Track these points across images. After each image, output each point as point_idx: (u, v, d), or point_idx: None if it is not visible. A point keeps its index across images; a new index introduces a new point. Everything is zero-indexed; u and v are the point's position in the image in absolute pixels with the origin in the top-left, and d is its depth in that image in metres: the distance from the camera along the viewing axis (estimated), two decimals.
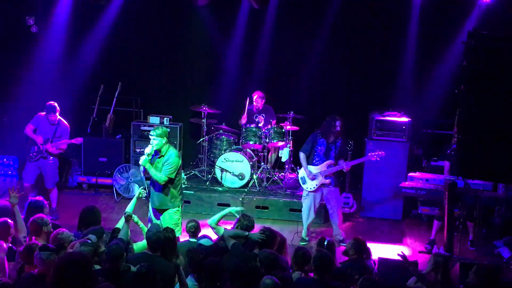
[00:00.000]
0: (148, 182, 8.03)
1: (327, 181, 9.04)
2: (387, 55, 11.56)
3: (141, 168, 7.88)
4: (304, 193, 9.29)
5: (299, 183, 9.33)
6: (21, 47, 11.69)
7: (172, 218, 7.93)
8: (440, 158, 10.03)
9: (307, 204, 9.25)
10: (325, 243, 6.70)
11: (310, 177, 9.04)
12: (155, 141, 7.73)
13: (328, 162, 9.00)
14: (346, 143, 9.21)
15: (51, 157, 9.75)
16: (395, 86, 11.53)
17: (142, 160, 7.72)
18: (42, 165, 9.78)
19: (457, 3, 10.84)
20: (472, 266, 7.16)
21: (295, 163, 11.39)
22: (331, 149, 9.03)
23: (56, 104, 9.65)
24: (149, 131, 10.65)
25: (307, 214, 9.29)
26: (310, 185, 9.10)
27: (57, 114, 9.68)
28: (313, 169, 9.07)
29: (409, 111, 10.75)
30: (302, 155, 9.17)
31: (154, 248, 6.32)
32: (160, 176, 7.74)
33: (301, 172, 9.24)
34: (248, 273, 5.65)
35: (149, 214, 8.13)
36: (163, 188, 7.85)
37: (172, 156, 7.81)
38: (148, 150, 7.76)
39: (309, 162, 9.12)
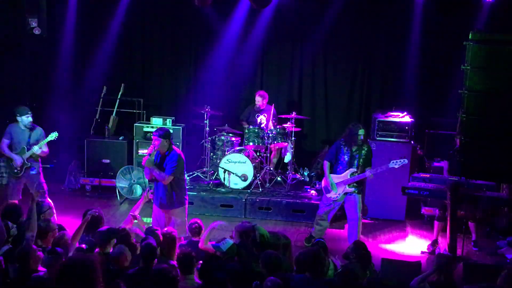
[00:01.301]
0: (152, 183, 8.05)
1: (351, 189, 8.81)
2: (390, 55, 11.56)
3: (142, 171, 7.88)
4: (324, 200, 9.06)
5: (323, 191, 9.04)
6: (23, 49, 11.70)
7: (178, 218, 7.96)
8: (442, 159, 10.01)
9: (325, 212, 9.06)
10: (313, 241, 6.72)
11: (331, 186, 8.84)
12: (157, 141, 7.74)
13: (350, 170, 8.75)
14: (371, 150, 8.99)
15: (33, 167, 9.19)
16: (398, 86, 11.53)
17: (146, 161, 7.73)
18: (28, 178, 9.23)
19: (461, 2, 10.82)
20: (475, 267, 7.17)
21: (298, 164, 11.42)
22: (355, 158, 8.76)
23: (27, 106, 9.27)
24: (152, 132, 10.75)
25: (321, 218, 9.10)
26: (333, 194, 8.88)
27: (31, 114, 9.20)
28: (335, 178, 8.84)
29: (412, 112, 10.74)
30: (326, 164, 8.91)
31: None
32: (164, 175, 7.76)
33: (324, 182, 9.01)
34: (248, 277, 5.65)
35: (152, 215, 8.14)
36: (167, 188, 7.86)
37: (175, 155, 7.81)
38: (150, 151, 7.77)
39: (333, 170, 8.88)
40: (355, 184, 8.80)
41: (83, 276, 4.68)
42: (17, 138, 9.19)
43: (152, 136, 7.85)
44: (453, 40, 10.70)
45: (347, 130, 8.88)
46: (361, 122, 11.20)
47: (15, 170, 9.18)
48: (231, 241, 6.70)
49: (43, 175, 9.33)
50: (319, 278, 5.90)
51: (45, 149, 9.23)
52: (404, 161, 8.78)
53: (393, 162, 8.77)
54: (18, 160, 9.09)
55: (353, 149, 8.76)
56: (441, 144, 10.49)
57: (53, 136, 9.18)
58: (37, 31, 11.41)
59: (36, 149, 9.10)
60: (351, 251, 6.68)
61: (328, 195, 8.93)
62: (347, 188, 8.79)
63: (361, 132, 8.72)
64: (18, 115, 9.15)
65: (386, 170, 8.84)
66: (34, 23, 11.39)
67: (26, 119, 9.12)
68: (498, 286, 5.67)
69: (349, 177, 8.74)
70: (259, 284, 5.49)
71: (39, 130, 9.29)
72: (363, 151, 8.78)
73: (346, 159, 8.79)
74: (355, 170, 8.74)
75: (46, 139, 9.15)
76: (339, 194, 8.84)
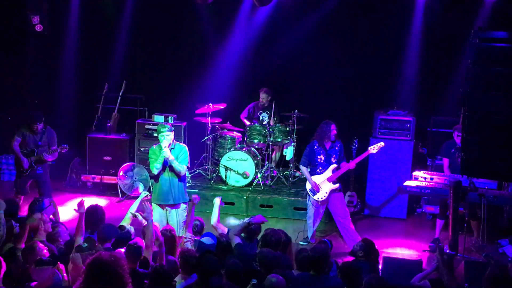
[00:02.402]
0: (152, 180, 8.09)
1: (336, 185, 8.85)
2: (392, 53, 11.53)
3: (158, 165, 7.89)
4: (312, 202, 9.05)
5: (309, 195, 9.04)
6: (25, 46, 11.71)
7: (182, 215, 8.07)
8: (440, 154, 9.99)
9: (313, 212, 9.06)
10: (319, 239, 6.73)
11: (316, 188, 8.86)
12: (168, 136, 7.97)
13: (332, 167, 8.84)
14: (342, 146, 9.07)
15: (41, 167, 9.34)
16: (399, 84, 11.51)
17: (169, 154, 7.91)
18: (34, 177, 9.41)
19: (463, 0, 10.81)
20: (476, 265, 7.16)
21: (299, 161, 11.40)
22: (331, 155, 8.87)
23: (41, 113, 9.29)
24: (154, 129, 10.80)
25: (313, 221, 9.10)
26: (320, 195, 8.90)
27: (42, 122, 9.26)
28: (318, 178, 8.88)
29: (414, 110, 10.73)
30: (303, 168, 9.03)
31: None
32: (181, 166, 8.05)
33: (308, 184, 9.04)
34: (246, 274, 5.64)
35: (157, 217, 8.12)
36: (178, 181, 8.09)
37: (182, 146, 8.24)
38: (167, 143, 7.94)
39: (313, 172, 8.94)
40: (338, 180, 8.90)
41: (111, 273, 4.66)
42: (28, 138, 9.29)
43: (162, 133, 7.97)
44: (455, 37, 10.71)
45: (318, 129, 8.98)
46: (363, 120, 11.24)
47: (21, 169, 9.28)
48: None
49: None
50: (322, 276, 5.89)
51: (54, 155, 9.39)
52: (380, 144, 8.96)
53: (370, 148, 8.94)
54: (26, 163, 9.24)
55: (327, 147, 8.85)
56: (443, 142, 10.48)
57: (63, 148, 9.38)
58: (39, 28, 11.41)
59: (44, 156, 9.24)
60: (360, 249, 6.66)
61: (315, 197, 8.95)
62: (333, 185, 8.84)
63: (333, 127, 8.85)
64: (30, 120, 9.23)
65: (364, 156, 9.01)
66: (36, 20, 11.40)
67: (35, 127, 9.21)
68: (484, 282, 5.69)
69: (331, 173, 8.80)
70: (257, 283, 5.48)
71: (50, 133, 9.39)
72: (336, 148, 8.89)
73: (323, 158, 8.85)
74: (336, 165, 8.83)
75: (56, 149, 9.30)
76: (326, 193, 8.88)
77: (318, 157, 8.90)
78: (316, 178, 8.91)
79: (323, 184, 8.87)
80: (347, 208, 9.12)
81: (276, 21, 11.72)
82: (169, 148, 7.94)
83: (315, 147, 8.92)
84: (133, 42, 12.25)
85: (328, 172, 8.84)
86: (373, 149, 8.98)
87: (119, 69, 12.25)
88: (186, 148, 8.25)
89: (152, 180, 8.38)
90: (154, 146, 8.20)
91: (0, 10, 11.27)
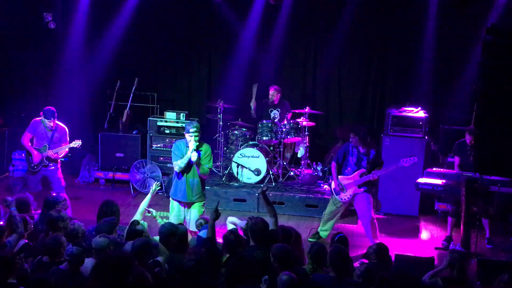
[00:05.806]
0: (164, 178, 8.09)
1: (361, 190, 8.75)
2: (404, 50, 11.51)
3: (182, 165, 7.85)
4: (335, 200, 8.96)
5: (332, 193, 8.97)
6: (38, 43, 11.77)
7: (199, 212, 8.09)
8: (452, 152, 9.96)
9: (333, 211, 9.03)
10: (336, 238, 6.68)
11: (340, 188, 8.80)
12: (197, 137, 7.82)
13: (360, 171, 8.70)
14: (379, 154, 8.95)
15: (52, 164, 9.32)
16: (412, 81, 11.47)
17: (195, 157, 7.77)
18: (45, 174, 9.37)
19: None
20: (489, 263, 7.13)
21: (311, 159, 11.41)
22: (363, 159, 8.72)
23: (54, 109, 9.21)
24: (166, 126, 10.78)
25: (329, 218, 9.09)
26: (343, 196, 8.84)
27: (55, 119, 9.21)
28: (345, 179, 8.81)
29: (426, 107, 10.69)
30: (334, 165, 8.90)
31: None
32: (206, 168, 7.96)
33: (333, 184, 8.96)
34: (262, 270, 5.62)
35: (176, 211, 8.14)
36: (199, 180, 8.02)
37: (208, 147, 8.05)
38: (194, 146, 7.80)
39: (341, 172, 8.87)
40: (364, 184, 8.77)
41: (120, 271, 4.67)
42: (40, 134, 9.29)
43: (191, 133, 7.80)
44: (468, 34, 10.66)
45: (360, 132, 8.77)
46: (375, 117, 11.21)
47: (32, 165, 9.28)
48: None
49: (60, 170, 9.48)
50: (342, 277, 5.84)
51: (63, 152, 9.36)
52: (414, 159, 8.70)
53: (403, 161, 8.70)
54: (36, 156, 9.22)
55: (360, 151, 8.72)
56: (455, 139, 10.45)
57: (76, 144, 9.33)
58: (52, 25, 11.47)
59: (51, 155, 9.21)
60: (373, 252, 6.61)
61: (338, 197, 8.90)
62: (357, 188, 8.76)
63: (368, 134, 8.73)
64: (43, 116, 9.21)
65: (395, 168, 8.80)
66: (49, 17, 11.46)
67: (48, 123, 9.19)
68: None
69: (358, 178, 8.71)
70: (268, 279, 5.47)
71: (62, 130, 9.38)
72: (371, 154, 8.73)
73: (354, 160, 8.77)
74: (365, 170, 8.70)
75: (69, 145, 9.29)
76: (349, 195, 8.81)
77: (350, 157, 8.79)
78: (342, 179, 8.83)
79: (348, 186, 8.78)
80: (369, 212, 8.83)
81: (289, 18, 11.69)
82: (194, 147, 7.84)
83: (350, 147, 8.81)
84: (146, 39, 12.29)
85: (356, 176, 8.72)
86: (406, 162, 8.70)
87: (132, 66, 12.29)
88: (210, 148, 8.06)
89: (164, 178, 8.34)
90: (177, 141, 8.15)
91: (14, 8, 11.33)
